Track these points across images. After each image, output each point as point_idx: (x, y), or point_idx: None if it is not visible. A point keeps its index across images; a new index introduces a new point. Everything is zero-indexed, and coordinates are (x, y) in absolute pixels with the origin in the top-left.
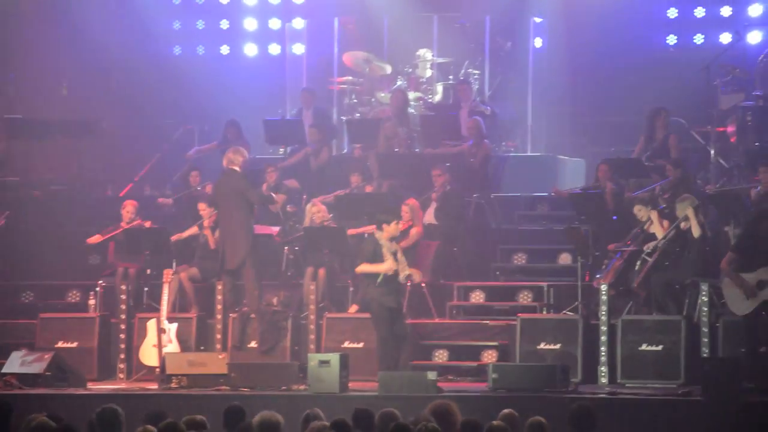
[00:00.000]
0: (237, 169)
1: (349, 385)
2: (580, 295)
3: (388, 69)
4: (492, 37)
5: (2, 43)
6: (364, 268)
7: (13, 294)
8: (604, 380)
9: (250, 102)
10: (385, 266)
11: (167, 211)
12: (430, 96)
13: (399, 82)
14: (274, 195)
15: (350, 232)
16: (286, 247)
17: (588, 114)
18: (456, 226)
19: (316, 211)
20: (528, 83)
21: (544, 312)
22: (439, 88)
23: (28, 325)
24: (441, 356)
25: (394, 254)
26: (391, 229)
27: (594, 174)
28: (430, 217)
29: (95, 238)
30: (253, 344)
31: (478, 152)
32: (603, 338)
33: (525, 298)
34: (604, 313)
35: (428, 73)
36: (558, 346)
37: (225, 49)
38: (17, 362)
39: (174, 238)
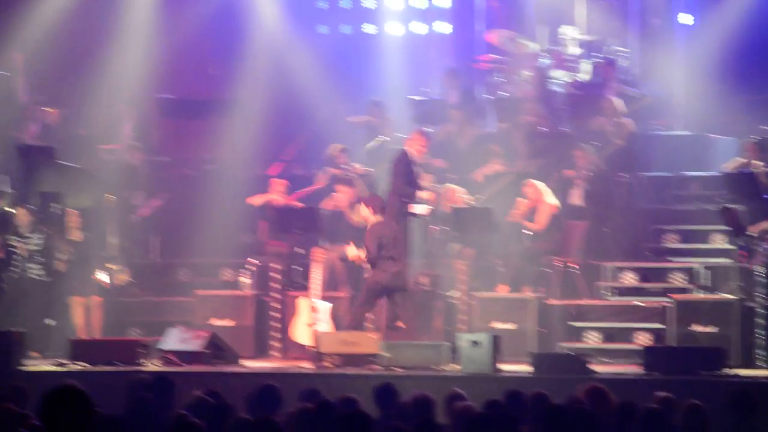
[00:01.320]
0: (409, 149)
1: (500, 365)
2: (737, 276)
3: (533, 47)
4: (639, 14)
5: (153, 25)
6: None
7: (170, 272)
8: (761, 364)
9: (396, 81)
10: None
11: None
12: (575, 74)
13: (544, 60)
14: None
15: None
16: (433, 227)
17: (739, 92)
18: (605, 207)
19: (452, 193)
20: (678, 60)
21: (699, 293)
22: (585, 66)
23: (185, 303)
24: (593, 338)
25: None
26: (362, 211)
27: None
28: (577, 198)
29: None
30: (403, 324)
31: (620, 131)
32: (761, 321)
33: (677, 279)
34: (761, 295)
35: (574, 50)
36: (713, 329)
37: (370, 28)
38: (175, 339)
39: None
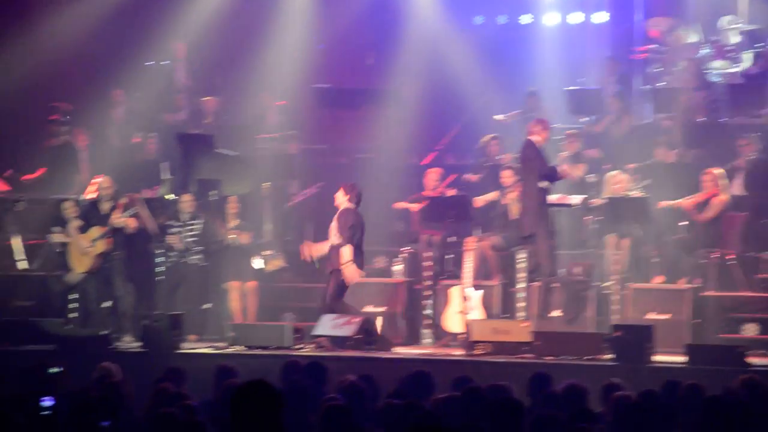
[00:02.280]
0: (533, 138)
1: (654, 356)
2: None
3: (694, 37)
4: None
5: (310, 16)
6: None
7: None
8: None
9: (551, 71)
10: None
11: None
12: (736, 64)
13: (704, 50)
14: (566, 169)
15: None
16: (588, 217)
17: None
18: (766, 197)
19: (616, 182)
20: None
21: None
22: (747, 56)
23: None
24: (750, 330)
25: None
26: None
27: None
28: (738, 188)
29: (401, 204)
30: (556, 313)
31: None
32: None
33: None
34: None
35: (735, 40)
36: None
37: (526, 19)
38: (328, 325)
39: (476, 203)
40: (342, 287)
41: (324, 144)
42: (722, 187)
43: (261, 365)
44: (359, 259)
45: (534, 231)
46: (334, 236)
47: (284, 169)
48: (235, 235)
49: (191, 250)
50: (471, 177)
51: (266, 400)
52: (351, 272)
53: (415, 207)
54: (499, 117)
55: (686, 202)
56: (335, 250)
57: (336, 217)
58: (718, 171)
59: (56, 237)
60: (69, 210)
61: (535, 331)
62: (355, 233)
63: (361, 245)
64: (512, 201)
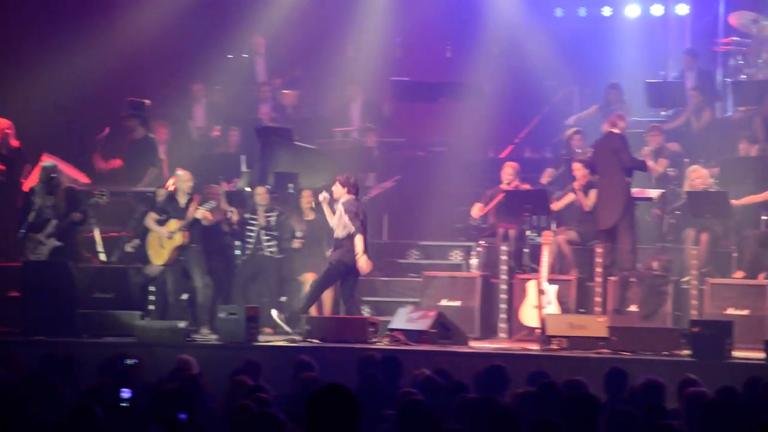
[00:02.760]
0: (616, 131)
1: (733, 352)
2: None
3: None
4: None
5: (389, 9)
6: None
7: (400, 252)
8: None
9: (632, 64)
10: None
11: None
12: None
13: None
14: (650, 164)
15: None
16: (656, 210)
17: None
18: None
19: (696, 177)
20: None
21: None
22: None
23: (413, 283)
24: None
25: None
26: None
27: None
28: None
29: (478, 210)
30: (633, 308)
31: None
32: None
33: None
34: None
35: None
36: None
37: (607, 11)
38: (404, 318)
39: (553, 207)
40: (355, 278)
41: (402, 137)
42: None
43: (336, 359)
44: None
45: (616, 224)
46: (340, 228)
47: (361, 162)
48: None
49: (267, 242)
50: (551, 171)
51: (344, 406)
52: (364, 263)
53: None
54: (569, 121)
55: (764, 196)
56: (344, 241)
57: (342, 209)
58: None
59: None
60: (161, 196)
61: (611, 326)
62: (363, 223)
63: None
64: (584, 194)
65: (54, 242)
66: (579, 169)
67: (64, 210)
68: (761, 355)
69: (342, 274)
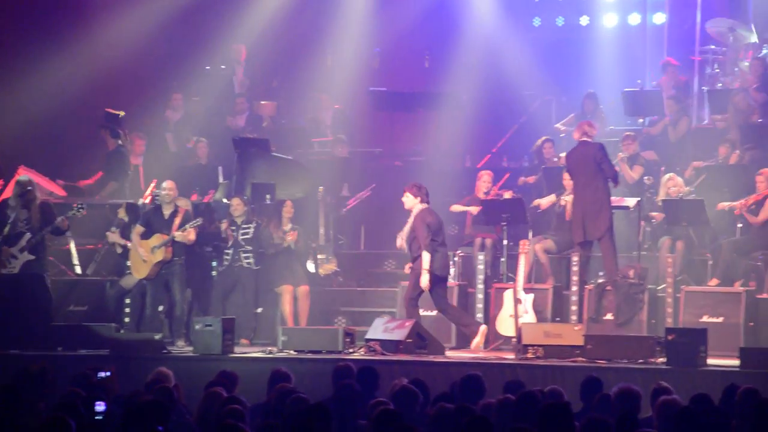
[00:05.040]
0: (590, 140)
1: (708, 360)
2: None
3: (753, 38)
4: None
5: (368, 19)
6: None
7: (377, 262)
8: None
9: (609, 73)
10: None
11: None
12: None
13: (765, 51)
14: (625, 169)
15: None
16: (642, 220)
17: None
18: None
19: (672, 185)
20: None
21: None
22: None
23: (390, 293)
24: None
25: None
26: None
27: None
28: None
29: (458, 207)
30: (608, 316)
31: None
32: None
33: None
34: None
35: None
36: None
37: (584, 20)
38: (380, 329)
39: (541, 205)
40: (417, 292)
41: (379, 147)
42: None
43: (313, 369)
44: (442, 261)
45: (604, 233)
46: (412, 241)
47: (338, 172)
48: (291, 238)
49: (243, 254)
50: (528, 179)
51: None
52: (426, 281)
53: (473, 210)
54: (560, 126)
55: (740, 203)
56: (416, 254)
57: (416, 217)
58: None
59: (112, 237)
60: (122, 214)
61: (586, 334)
62: (436, 235)
63: (443, 242)
64: (570, 204)
65: (27, 256)
66: (568, 180)
67: (38, 224)
68: (736, 362)
69: (432, 284)
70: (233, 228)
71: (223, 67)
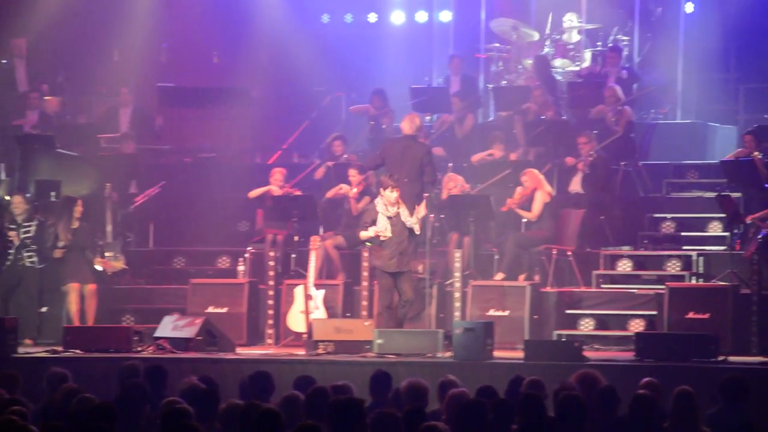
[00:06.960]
0: (416, 135)
1: (494, 353)
2: (731, 264)
3: (536, 36)
4: (642, 3)
5: (155, 13)
6: (361, 234)
7: (166, 260)
8: (755, 351)
9: (398, 70)
10: (370, 232)
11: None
12: (577, 63)
13: (546, 49)
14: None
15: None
16: (431, 215)
17: (740, 80)
18: (603, 194)
19: (453, 186)
20: (678, 49)
21: (693, 281)
22: (587, 54)
23: (180, 291)
24: (587, 325)
25: (394, 218)
26: (386, 195)
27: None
28: (576, 185)
29: (257, 191)
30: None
31: (620, 119)
32: (754, 308)
33: (673, 267)
34: (755, 283)
35: (576, 39)
36: (707, 316)
37: (372, 17)
38: (169, 327)
39: (328, 194)
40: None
41: (168, 144)
42: (542, 183)
43: (99, 369)
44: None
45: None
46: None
47: (125, 169)
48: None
49: (26, 252)
50: (317, 174)
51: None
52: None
53: (275, 190)
54: (354, 108)
55: (509, 201)
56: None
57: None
58: (535, 170)
59: None
60: None
61: (376, 329)
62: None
63: None
64: (354, 201)
65: None
66: (354, 176)
67: None
68: (521, 354)
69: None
70: (13, 227)
71: (4, 61)
